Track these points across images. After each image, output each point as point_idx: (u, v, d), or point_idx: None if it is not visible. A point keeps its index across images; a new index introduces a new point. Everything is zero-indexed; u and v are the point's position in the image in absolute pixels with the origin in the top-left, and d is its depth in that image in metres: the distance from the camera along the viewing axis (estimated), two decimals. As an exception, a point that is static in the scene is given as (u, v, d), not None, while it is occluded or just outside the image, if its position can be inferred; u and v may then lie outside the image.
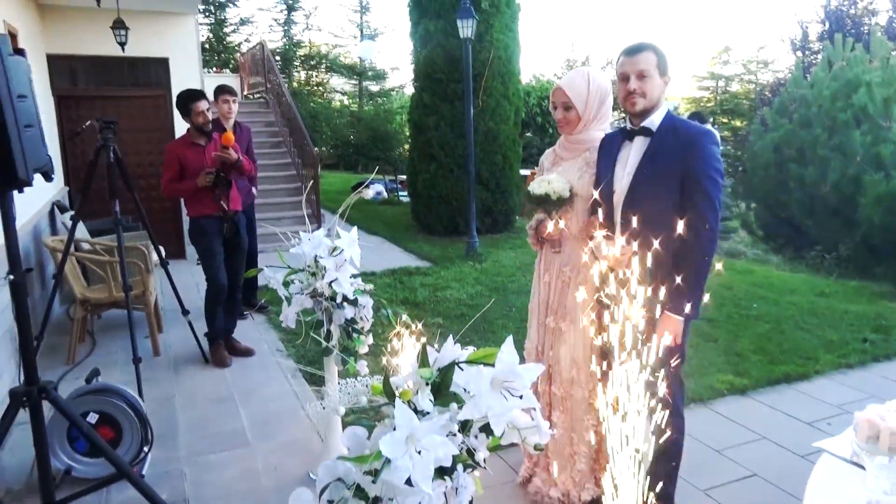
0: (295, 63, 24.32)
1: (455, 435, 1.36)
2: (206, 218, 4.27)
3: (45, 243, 4.63)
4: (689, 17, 53.74)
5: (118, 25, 6.30)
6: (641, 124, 2.33)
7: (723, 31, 50.09)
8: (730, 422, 3.51)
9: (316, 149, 9.84)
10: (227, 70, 18.82)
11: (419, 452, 1.24)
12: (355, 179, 15.01)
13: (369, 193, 11.78)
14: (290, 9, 24.00)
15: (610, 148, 2.47)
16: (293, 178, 9.86)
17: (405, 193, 11.89)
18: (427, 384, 1.36)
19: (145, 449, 3.06)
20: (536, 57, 45.80)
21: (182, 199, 5.23)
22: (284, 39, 24.09)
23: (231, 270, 4.43)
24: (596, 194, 2.39)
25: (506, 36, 8.78)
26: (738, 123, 21.13)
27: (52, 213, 5.86)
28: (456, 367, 1.36)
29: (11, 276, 2.33)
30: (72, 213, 5.46)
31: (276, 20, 24.36)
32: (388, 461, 1.22)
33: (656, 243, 1.96)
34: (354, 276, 2.77)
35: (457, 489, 1.41)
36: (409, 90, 19.59)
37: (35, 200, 5.15)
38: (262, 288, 5.55)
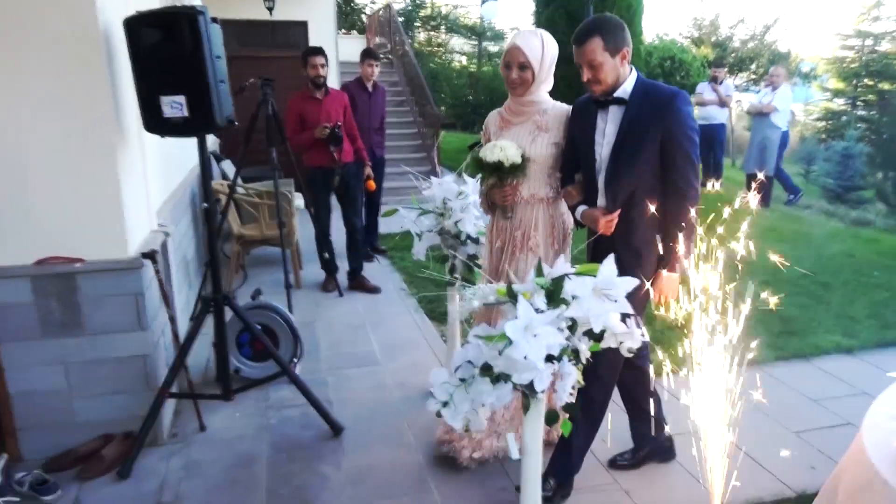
0: (416, 24, 24.78)
1: (563, 331, 1.71)
2: (318, 168, 4.83)
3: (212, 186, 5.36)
4: (839, -32, 48.98)
5: (267, -8, 6.93)
6: (614, 95, 2.35)
7: (878, -16, 45.22)
8: (831, 377, 3.62)
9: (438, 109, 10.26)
10: (355, 31, 19.59)
11: (535, 337, 1.60)
12: (472, 139, 15.35)
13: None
14: (415, -30, 24.36)
15: (585, 117, 2.48)
16: (415, 135, 10.36)
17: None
18: (542, 290, 1.71)
19: (295, 360, 3.64)
20: (660, 16, 43.64)
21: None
22: (409, 1, 24.57)
23: (345, 217, 5.01)
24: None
25: (630, -5, 8.71)
26: (886, 86, 19.40)
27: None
28: (565, 277, 1.70)
29: (206, 205, 2.90)
30: (228, 160, 6.22)
31: (401, -19, 24.81)
32: (510, 342, 1.59)
33: (653, 208, 2.21)
34: (477, 217, 3.14)
35: (563, 375, 1.77)
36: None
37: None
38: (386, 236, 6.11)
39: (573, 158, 2.56)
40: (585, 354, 1.80)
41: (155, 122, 2.68)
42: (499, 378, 1.73)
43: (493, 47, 24.81)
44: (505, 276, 2.64)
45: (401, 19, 21.97)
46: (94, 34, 2.61)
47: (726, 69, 9.04)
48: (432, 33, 25.01)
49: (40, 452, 2.88)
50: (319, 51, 4.86)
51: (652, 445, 2.77)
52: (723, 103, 8.48)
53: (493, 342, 1.60)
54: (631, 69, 2.38)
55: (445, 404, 1.77)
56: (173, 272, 3.60)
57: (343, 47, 7.15)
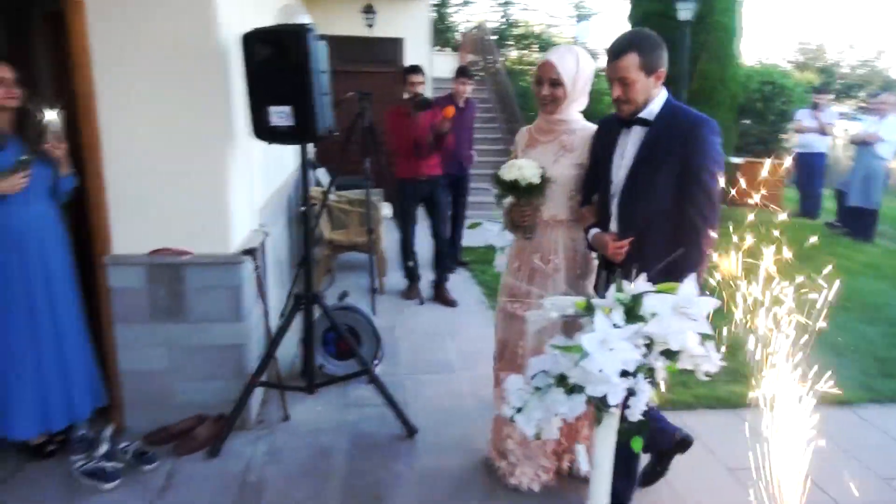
0: (509, 42, 25.00)
1: (639, 348, 1.74)
2: (407, 180, 4.99)
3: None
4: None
5: (367, 10, 7.25)
6: (639, 115, 2.24)
7: None
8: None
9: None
10: (449, 48, 19.99)
11: (610, 351, 1.65)
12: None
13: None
14: (510, -11, 24.64)
15: (607, 135, 2.38)
16: (502, 152, 10.46)
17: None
18: (621, 305, 1.75)
19: (376, 360, 3.79)
20: (762, 39, 42.10)
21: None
22: (502, 19, 24.86)
23: (433, 229, 5.15)
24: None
25: (727, 18, 8.53)
26: None
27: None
28: (645, 294, 1.74)
29: (304, 208, 3.09)
30: (322, 168, 6.53)
31: (496, 0, 25.16)
32: (586, 353, 1.65)
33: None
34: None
35: (637, 392, 1.80)
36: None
37: (297, 157, 6.25)
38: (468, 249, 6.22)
39: (593, 179, 2.48)
40: (662, 374, 1.83)
41: (263, 130, 2.90)
42: (573, 389, 1.78)
43: (584, 67, 24.67)
44: (527, 298, 2.60)
45: (493, 37, 22.25)
46: (214, 48, 2.86)
47: (830, 96, 8.65)
48: (524, 52, 25.14)
49: (141, 426, 3.13)
50: (418, 69, 5.06)
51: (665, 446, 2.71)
52: (823, 131, 8.12)
53: (570, 353, 1.66)
54: (661, 91, 2.26)
55: (519, 410, 1.84)
56: (269, 270, 3.84)
57: (436, 64, 7.39)
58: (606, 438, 1.87)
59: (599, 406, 1.80)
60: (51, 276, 2.83)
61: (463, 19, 23.90)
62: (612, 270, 2.31)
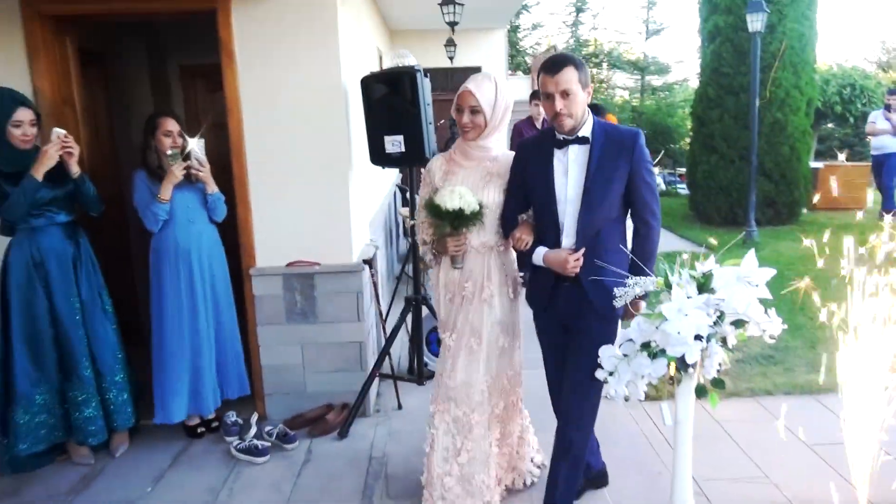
0: (579, 62, 25.38)
1: (710, 316, 2.10)
2: None
3: (400, 211, 6.22)
4: None
5: (449, 43, 7.84)
6: (577, 134, 2.35)
7: None
8: None
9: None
10: (520, 72, 20.56)
11: (685, 316, 2.02)
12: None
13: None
14: (579, 10, 25.11)
15: (537, 157, 2.43)
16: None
17: (683, 186, 12.07)
18: (694, 281, 2.12)
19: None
20: (844, 40, 40.52)
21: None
22: (572, 40, 25.28)
23: None
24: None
25: (801, 25, 8.61)
26: None
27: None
28: (713, 272, 2.10)
29: (413, 221, 3.59)
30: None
31: (564, 22, 25.68)
32: (666, 319, 2.03)
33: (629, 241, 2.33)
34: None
35: (710, 354, 2.15)
36: (694, 83, 19.27)
37: (392, 178, 6.87)
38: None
39: (520, 202, 2.53)
40: (733, 341, 2.17)
41: (379, 156, 3.44)
42: (656, 354, 2.15)
43: (656, 81, 24.70)
44: (459, 329, 2.60)
45: (564, 58, 22.57)
46: (338, 90, 3.43)
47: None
48: (594, 70, 25.46)
49: (279, 413, 3.68)
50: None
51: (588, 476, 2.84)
52: (897, 132, 8.07)
53: (652, 318, 2.04)
54: (588, 110, 2.40)
55: (612, 374, 2.23)
56: (381, 278, 4.37)
57: (511, 88, 7.95)
58: (686, 396, 2.22)
59: (679, 367, 2.16)
60: (213, 285, 3.44)
61: (533, 42, 24.43)
62: (562, 284, 2.43)
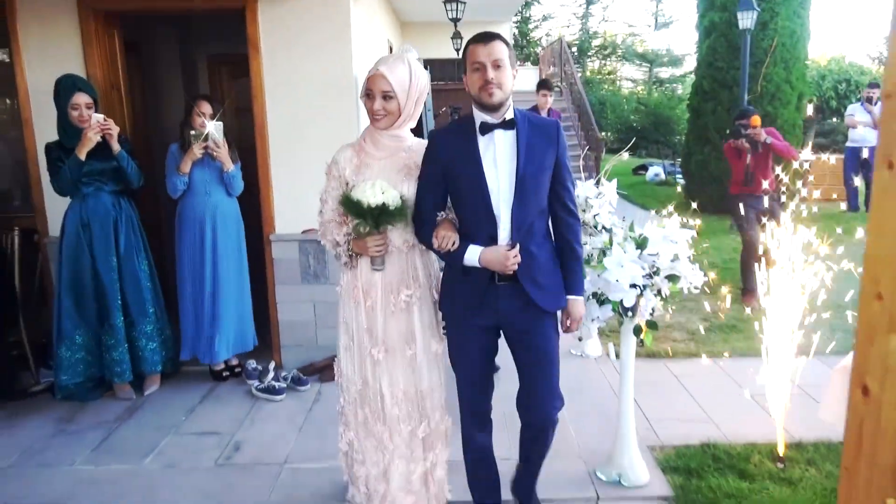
0: (589, 53, 25.69)
1: (645, 269, 2.60)
2: None
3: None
4: None
5: (455, 36, 8.32)
6: (505, 117, 2.19)
7: None
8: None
9: (602, 133, 11.13)
10: (528, 63, 20.95)
11: (621, 267, 2.52)
12: (636, 163, 15.92)
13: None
14: (589, 2, 25.41)
15: (458, 145, 2.21)
16: (576, 158, 11.29)
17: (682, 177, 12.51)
18: (632, 241, 2.62)
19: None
20: (844, 36, 40.38)
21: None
22: (581, 32, 25.61)
23: None
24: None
25: (792, 22, 9.02)
26: None
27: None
28: (647, 234, 2.60)
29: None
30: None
31: (574, 14, 25.99)
32: (605, 269, 2.53)
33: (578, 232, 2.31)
34: (610, 211, 4.04)
35: (646, 300, 2.65)
36: (700, 76, 19.63)
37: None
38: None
39: (438, 197, 2.28)
40: (666, 291, 2.67)
41: (383, 138, 3.94)
42: (603, 301, 2.66)
43: (663, 73, 25.00)
44: (382, 340, 2.39)
45: (574, 50, 22.98)
46: (349, 81, 3.93)
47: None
48: (603, 62, 25.81)
49: (293, 363, 4.21)
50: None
51: None
52: (877, 125, 8.45)
53: (596, 269, 2.54)
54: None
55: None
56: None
57: (518, 78, 8.36)
58: (628, 336, 2.73)
59: (621, 312, 2.67)
60: (225, 251, 3.94)
61: (543, 33, 24.79)
62: (499, 282, 2.23)
